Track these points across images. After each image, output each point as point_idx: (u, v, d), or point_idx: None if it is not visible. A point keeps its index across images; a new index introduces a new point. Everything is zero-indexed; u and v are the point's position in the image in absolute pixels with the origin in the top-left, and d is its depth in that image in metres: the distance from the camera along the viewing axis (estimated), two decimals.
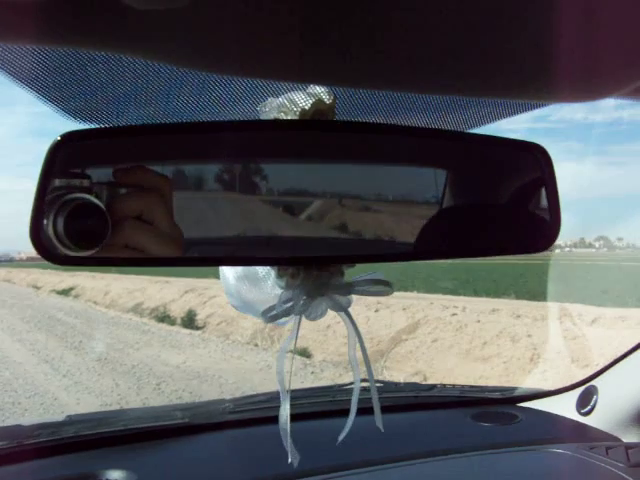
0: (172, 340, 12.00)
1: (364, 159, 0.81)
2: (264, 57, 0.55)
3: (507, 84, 0.66)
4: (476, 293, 15.16)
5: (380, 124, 0.84)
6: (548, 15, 0.52)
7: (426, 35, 0.54)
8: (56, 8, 0.44)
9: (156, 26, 0.48)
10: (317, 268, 0.75)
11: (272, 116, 0.74)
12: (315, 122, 0.73)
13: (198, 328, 13.48)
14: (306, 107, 0.73)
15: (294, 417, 0.85)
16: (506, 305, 11.72)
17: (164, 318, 14.92)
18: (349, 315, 0.81)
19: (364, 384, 1.00)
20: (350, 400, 0.89)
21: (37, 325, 14.14)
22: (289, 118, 0.73)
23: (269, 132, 0.72)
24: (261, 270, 0.82)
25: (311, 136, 0.74)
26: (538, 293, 12.94)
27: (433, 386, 1.86)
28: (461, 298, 13.64)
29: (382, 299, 11.27)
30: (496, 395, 1.80)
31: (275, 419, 0.86)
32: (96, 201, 0.61)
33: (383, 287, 0.80)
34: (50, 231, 0.60)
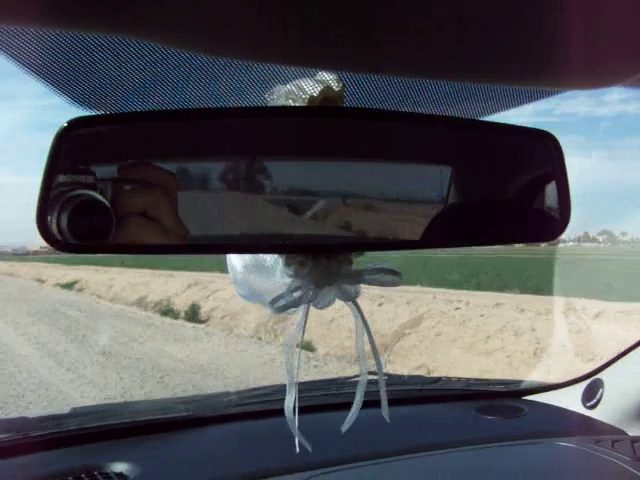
0: (176, 333, 12.02)
1: (372, 148, 0.80)
2: (265, 40, 0.55)
3: (514, 71, 0.66)
4: (480, 287, 15.13)
5: (389, 111, 0.83)
6: (556, 2, 0.52)
7: (432, 21, 0.54)
8: None
9: (159, 8, 0.48)
10: (326, 257, 0.75)
11: (280, 103, 0.73)
12: (323, 108, 0.73)
13: (202, 322, 13.48)
14: (314, 94, 0.72)
15: (300, 409, 0.84)
16: (510, 299, 11.68)
17: (168, 312, 14.93)
18: (357, 305, 0.81)
19: (370, 377, 1.00)
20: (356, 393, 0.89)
21: (41, 319, 14.18)
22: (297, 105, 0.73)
23: (277, 118, 0.72)
24: (269, 259, 0.81)
25: (319, 123, 0.73)
26: (542, 287, 12.91)
27: (438, 379, 1.86)
28: (465, 292, 13.61)
29: (385, 293, 11.28)
30: (501, 388, 1.80)
31: (280, 412, 0.85)
32: (100, 197, 0.61)
33: (392, 277, 0.79)
34: (54, 227, 0.59)
